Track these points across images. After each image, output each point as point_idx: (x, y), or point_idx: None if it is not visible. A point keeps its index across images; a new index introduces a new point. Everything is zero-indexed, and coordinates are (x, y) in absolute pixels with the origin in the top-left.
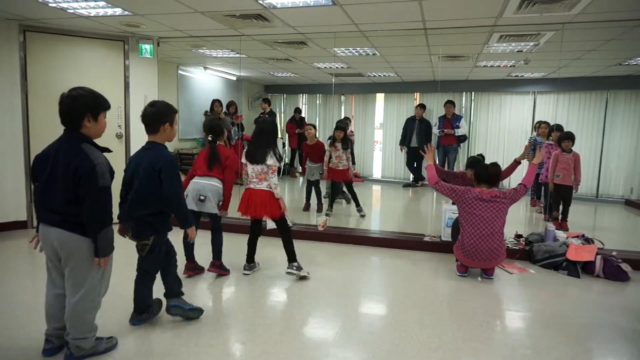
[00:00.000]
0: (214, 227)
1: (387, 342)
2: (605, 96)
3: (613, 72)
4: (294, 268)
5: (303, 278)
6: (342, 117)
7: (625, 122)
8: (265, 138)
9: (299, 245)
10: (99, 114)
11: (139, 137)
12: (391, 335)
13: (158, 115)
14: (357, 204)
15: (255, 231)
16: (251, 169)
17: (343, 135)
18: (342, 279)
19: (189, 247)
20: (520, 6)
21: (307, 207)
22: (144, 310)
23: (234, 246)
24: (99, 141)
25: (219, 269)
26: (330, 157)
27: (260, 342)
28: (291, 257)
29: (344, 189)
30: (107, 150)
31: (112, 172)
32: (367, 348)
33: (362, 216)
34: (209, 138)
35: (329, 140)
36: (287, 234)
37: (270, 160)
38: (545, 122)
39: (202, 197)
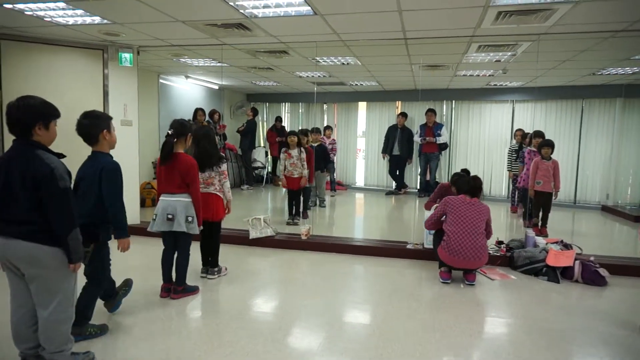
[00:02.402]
0: (179, 246)
1: (371, 351)
2: (580, 104)
3: (588, 81)
4: (215, 273)
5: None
6: (325, 125)
7: (600, 130)
8: (203, 145)
9: (283, 255)
10: (50, 122)
11: (118, 147)
12: (375, 343)
13: (95, 124)
14: (297, 212)
15: (206, 235)
16: (200, 175)
17: (297, 140)
18: (326, 287)
19: (167, 266)
20: (498, 17)
21: (292, 219)
22: (81, 323)
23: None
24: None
25: (184, 292)
26: (285, 165)
27: (243, 354)
28: (214, 263)
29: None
30: (62, 155)
31: (70, 175)
32: (351, 357)
33: (289, 224)
34: (168, 131)
35: (284, 148)
36: (217, 241)
37: (222, 165)
38: (519, 130)
39: (169, 216)
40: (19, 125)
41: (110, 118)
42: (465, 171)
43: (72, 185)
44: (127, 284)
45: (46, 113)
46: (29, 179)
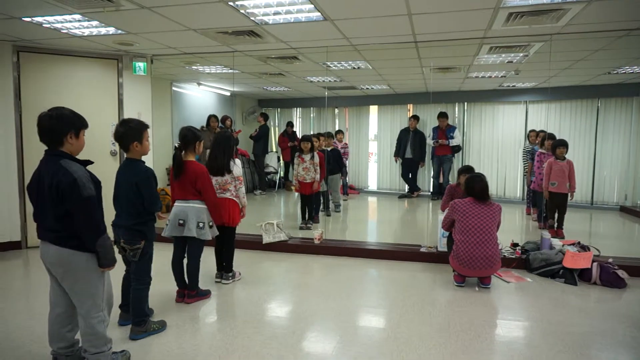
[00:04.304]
0: (189, 252)
1: (385, 355)
2: (596, 104)
3: (603, 80)
4: (229, 278)
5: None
6: (336, 129)
7: (616, 129)
8: (220, 149)
9: (296, 259)
10: (80, 132)
11: None
12: (389, 348)
13: (127, 135)
14: (310, 215)
15: (221, 240)
16: (215, 180)
17: (310, 146)
18: (340, 292)
19: (178, 272)
20: (509, 19)
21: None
22: (142, 321)
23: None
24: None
25: (197, 297)
26: (298, 170)
27: (257, 358)
28: (228, 268)
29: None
30: (89, 162)
31: (96, 182)
32: None
33: (302, 228)
34: (175, 145)
35: (297, 153)
36: (232, 246)
37: (236, 170)
38: (532, 130)
39: (180, 221)
40: (50, 134)
41: (145, 127)
42: (469, 169)
43: (115, 191)
44: (162, 324)
45: (77, 123)
46: (54, 189)
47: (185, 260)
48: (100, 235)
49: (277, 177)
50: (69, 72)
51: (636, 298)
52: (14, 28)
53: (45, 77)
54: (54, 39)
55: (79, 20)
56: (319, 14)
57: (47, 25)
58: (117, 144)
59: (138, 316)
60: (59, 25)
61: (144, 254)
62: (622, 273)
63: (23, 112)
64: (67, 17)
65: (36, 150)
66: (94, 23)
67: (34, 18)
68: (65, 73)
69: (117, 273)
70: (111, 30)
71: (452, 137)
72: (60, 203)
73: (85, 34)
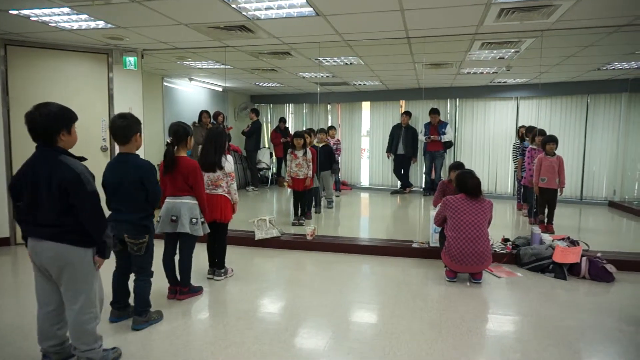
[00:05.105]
0: (181, 248)
1: (377, 351)
2: (585, 100)
3: (592, 76)
4: (222, 274)
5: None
6: (329, 125)
7: (605, 125)
8: (212, 145)
9: (288, 255)
10: (71, 127)
11: None
12: (381, 343)
13: (129, 126)
14: (302, 211)
15: (213, 236)
16: (206, 176)
17: (303, 142)
18: (332, 287)
19: (169, 268)
20: (500, 14)
21: (298, 220)
22: (145, 311)
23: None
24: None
25: (189, 293)
26: (291, 166)
27: (249, 354)
28: (221, 265)
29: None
30: (83, 159)
31: (93, 177)
32: (358, 357)
33: (295, 224)
34: (167, 140)
35: (289, 149)
36: (224, 242)
37: (228, 167)
38: (522, 126)
39: (173, 217)
40: (44, 133)
41: (141, 123)
42: (460, 165)
43: (111, 187)
44: (159, 314)
45: (68, 118)
46: (55, 185)
47: (177, 257)
48: (106, 227)
49: (270, 173)
50: (59, 67)
51: (624, 292)
52: (1, 21)
53: (34, 71)
54: (42, 32)
55: (68, 14)
56: (311, 9)
57: (35, 19)
58: (107, 140)
59: (141, 306)
60: (47, 19)
61: (148, 247)
62: (610, 267)
63: (11, 107)
64: (56, 10)
65: (24, 146)
66: (83, 17)
67: (21, 11)
68: (54, 67)
69: (107, 270)
70: (101, 24)
71: (444, 133)
72: (61, 200)
73: (74, 28)
